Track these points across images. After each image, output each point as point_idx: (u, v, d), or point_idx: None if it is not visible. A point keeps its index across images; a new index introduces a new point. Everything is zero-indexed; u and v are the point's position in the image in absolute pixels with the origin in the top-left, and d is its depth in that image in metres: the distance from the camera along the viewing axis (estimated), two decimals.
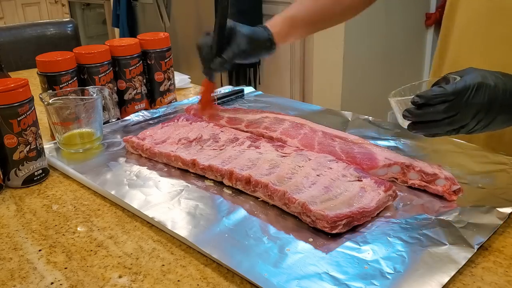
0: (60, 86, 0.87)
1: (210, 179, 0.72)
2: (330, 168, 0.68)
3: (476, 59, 0.82)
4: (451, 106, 0.58)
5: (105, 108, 0.87)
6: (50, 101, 0.80)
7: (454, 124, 0.60)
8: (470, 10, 0.84)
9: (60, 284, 0.53)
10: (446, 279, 0.49)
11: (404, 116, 0.62)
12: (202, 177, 0.73)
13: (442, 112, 0.59)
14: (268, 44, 0.87)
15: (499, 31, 0.79)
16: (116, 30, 3.20)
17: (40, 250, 0.59)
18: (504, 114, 0.60)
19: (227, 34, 0.82)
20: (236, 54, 0.82)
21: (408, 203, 0.64)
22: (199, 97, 0.93)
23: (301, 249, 0.55)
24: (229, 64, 0.83)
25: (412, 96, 0.61)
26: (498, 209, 0.60)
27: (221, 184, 0.71)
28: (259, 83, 2.50)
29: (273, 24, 0.88)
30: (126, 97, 0.99)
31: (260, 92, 1.14)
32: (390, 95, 0.68)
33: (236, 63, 0.85)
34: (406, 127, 0.64)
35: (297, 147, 0.76)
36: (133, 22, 3.06)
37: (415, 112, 0.60)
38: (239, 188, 0.68)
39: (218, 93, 1.09)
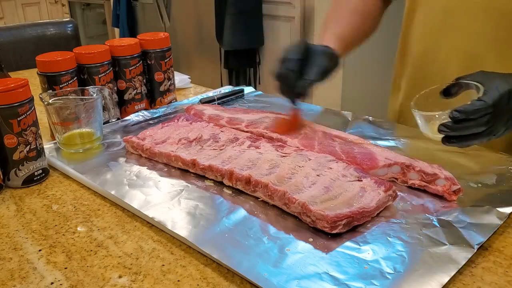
0: (60, 86, 0.87)
1: (210, 179, 0.72)
2: (330, 168, 0.68)
3: (444, 54, 0.85)
4: (492, 118, 0.60)
5: (105, 108, 0.87)
6: (50, 101, 0.80)
7: (491, 133, 0.61)
8: (431, 7, 0.86)
9: (60, 284, 0.53)
10: (446, 279, 0.49)
11: (440, 130, 0.62)
12: (202, 177, 0.73)
13: (483, 124, 0.60)
14: (337, 60, 0.82)
15: (464, 25, 0.81)
16: (116, 30, 3.21)
17: (40, 250, 0.59)
18: None
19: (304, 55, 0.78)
20: (321, 73, 0.77)
21: (408, 203, 0.64)
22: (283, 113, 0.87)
23: (301, 249, 0.55)
24: (313, 86, 0.77)
25: (439, 113, 0.62)
26: (498, 209, 0.60)
27: (221, 184, 0.71)
28: (259, 83, 2.50)
29: (328, 42, 0.85)
30: (126, 97, 0.99)
31: (260, 92, 1.14)
32: (412, 105, 0.68)
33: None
34: (431, 137, 0.65)
35: (297, 147, 0.76)
36: (133, 22, 3.06)
37: (454, 126, 0.60)
38: (239, 188, 0.68)
39: (218, 93, 1.09)
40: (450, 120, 0.60)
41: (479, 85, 0.62)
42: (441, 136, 0.62)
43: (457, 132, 0.61)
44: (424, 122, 0.67)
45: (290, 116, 0.84)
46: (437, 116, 0.64)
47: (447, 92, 0.67)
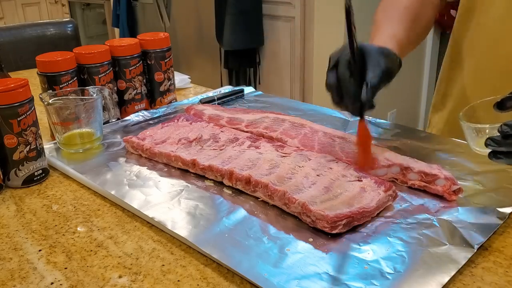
0: (60, 86, 0.87)
1: (210, 179, 0.72)
2: (330, 168, 0.68)
3: (503, 62, 0.79)
4: None
5: (105, 108, 0.87)
6: (50, 101, 0.80)
7: None
8: (489, 12, 0.80)
9: (60, 284, 0.53)
10: (446, 279, 0.49)
11: (487, 145, 0.58)
12: (202, 177, 0.73)
13: None
14: (397, 59, 0.72)
15: None
16: (116, 30, 3.21)
17: (40, 250, 0.59)
18: None
19: (358, 57, 0.66)
20: (384, 76, 0.66)
21: (408, 203, 0.64)
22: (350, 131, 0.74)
23: (301, 249, 0.55)
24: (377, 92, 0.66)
25: (490, 126, 0.58)
26: (498, 209, 0.60)
27: (221, 184, 0.71)
28: (259, 83, 2.50)
29: (382, 42, 0.75)
30: (126, 97, 0.99)
31: (260, 92, 1.14)
32: (460, 117, 0.65)
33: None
34: (478, 151, 0.62)
35: (297, 147, 0.76)
36: (133, 22, 3.06)
37: (503, 141, 0.56)
38: (239, 188, 0.68)
39: (218, 93, 1.09)
40: (499, 134, 0.56)
41: None
42: (488, 151, 0.59)
43: (505, 148, 0.56)
44: (472, 135, 0.63)
45: (358, 133, 0.69)
46: (487, 131, 0.61)
47: (502, 105, 0.61)
